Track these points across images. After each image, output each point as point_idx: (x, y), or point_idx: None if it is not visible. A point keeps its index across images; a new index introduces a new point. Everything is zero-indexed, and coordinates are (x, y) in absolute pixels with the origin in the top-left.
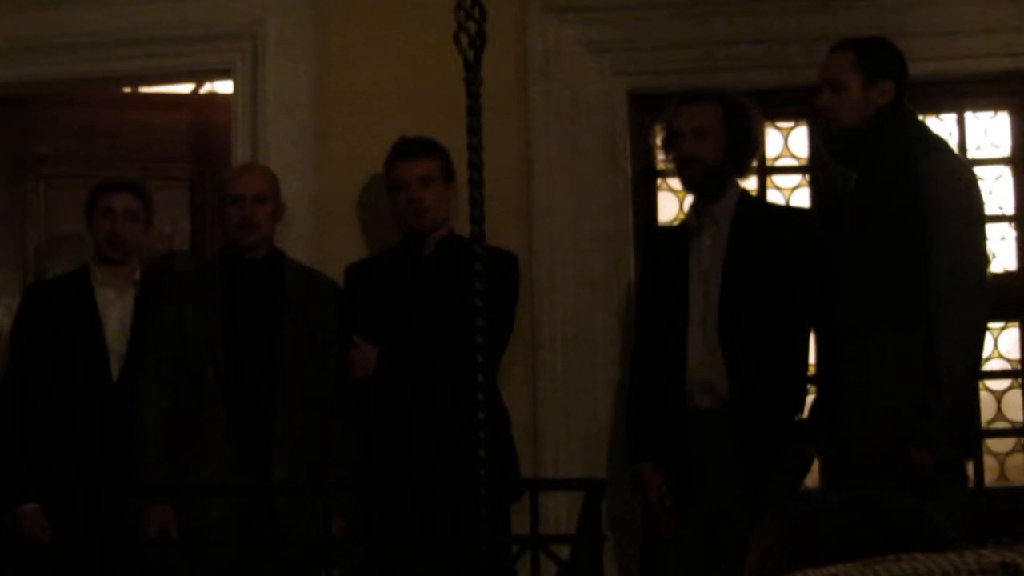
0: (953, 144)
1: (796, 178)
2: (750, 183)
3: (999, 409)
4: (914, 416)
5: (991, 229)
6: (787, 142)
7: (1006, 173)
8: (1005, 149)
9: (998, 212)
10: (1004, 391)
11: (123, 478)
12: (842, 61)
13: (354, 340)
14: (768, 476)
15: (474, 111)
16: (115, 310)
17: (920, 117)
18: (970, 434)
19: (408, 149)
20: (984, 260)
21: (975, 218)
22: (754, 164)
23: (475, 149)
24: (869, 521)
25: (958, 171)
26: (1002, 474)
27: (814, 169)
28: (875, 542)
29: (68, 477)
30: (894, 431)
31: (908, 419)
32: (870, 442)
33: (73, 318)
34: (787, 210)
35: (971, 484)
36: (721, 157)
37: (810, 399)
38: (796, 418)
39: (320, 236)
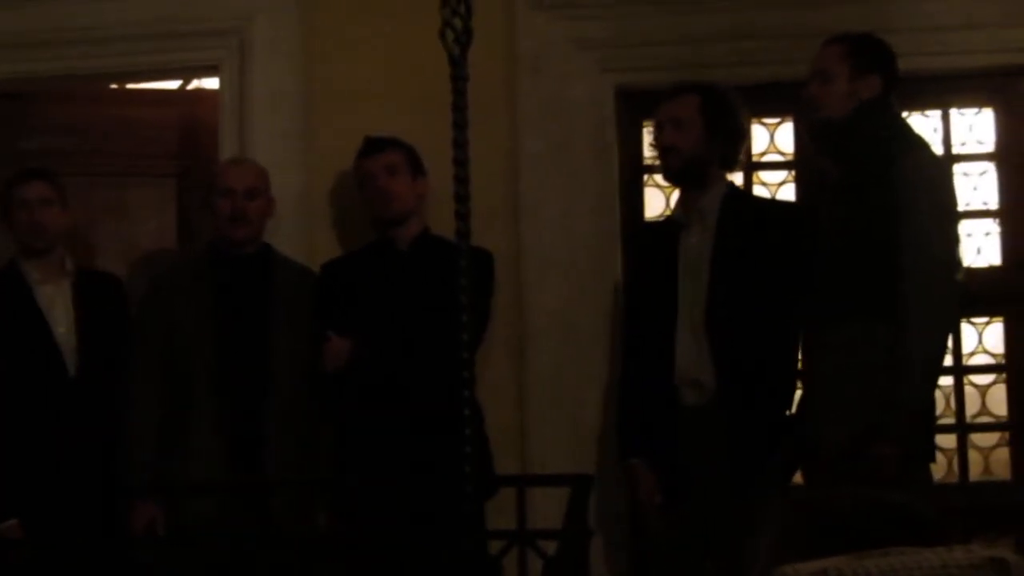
0: (938, 140)
1: (782, 174)
2: (736, 179)
3: (983, 404)
4: (880, 411)
5: (977, 225)
6: (773, 138)
7: (991, 169)
8: (990, 145)
9: (983, 207)
10: (989, 386)
11: (92, 475)
12: (833, 53)
13: (327, 334)
14: (756, 473)
15: (460, 107)
16: (58, 306)
17: (905, 114)
18: (932, 432)
19: (372, 145)
20: (954, 258)
21: (947, 216)
22: (742, 158)
23: (460, 145)
24: (868, 518)
25: (932, 169)
26: (987, 468)
27: (800, 163)
28: (874, 539)
29: (35, 478)
30: (860, 425)
31: (874, 414)
32: (836, 436)
33: (16, 320)
34: (775, 204)
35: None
36: (700, 147)
37: (798, 395)
38: (785, 414)
39: (307, 232)
